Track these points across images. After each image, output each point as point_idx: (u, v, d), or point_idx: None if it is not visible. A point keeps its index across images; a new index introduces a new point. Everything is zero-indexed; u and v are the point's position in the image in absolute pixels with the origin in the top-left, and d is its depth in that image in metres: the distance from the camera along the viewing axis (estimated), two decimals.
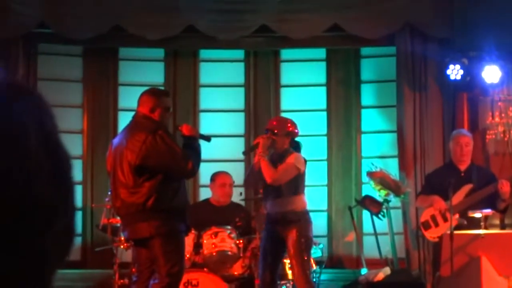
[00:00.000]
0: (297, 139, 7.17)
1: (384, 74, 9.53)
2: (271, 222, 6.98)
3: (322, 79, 9.71)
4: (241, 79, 9.74)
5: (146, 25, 8.94)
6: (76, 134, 9.37)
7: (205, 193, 8.94)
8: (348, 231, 9.32)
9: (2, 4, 8.61)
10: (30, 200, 1.50)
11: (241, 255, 7.69)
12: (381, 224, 8.71)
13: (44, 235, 1.52)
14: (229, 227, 7.76)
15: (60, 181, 1.56)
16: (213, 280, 7.45)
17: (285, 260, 7.44)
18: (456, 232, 7.06)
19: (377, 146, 9.52)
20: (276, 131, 6.98)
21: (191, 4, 8.99)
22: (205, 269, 7.58)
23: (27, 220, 1.49)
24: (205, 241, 7.63)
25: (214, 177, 8.41)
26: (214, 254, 7.60)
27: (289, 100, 9.69)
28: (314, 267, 7.81)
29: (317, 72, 9.73)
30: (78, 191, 9.29)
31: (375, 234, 8.67)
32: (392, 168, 8.91)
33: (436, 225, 7.81)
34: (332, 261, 9.23)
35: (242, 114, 9.71)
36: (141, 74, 9.57)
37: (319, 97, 9.68)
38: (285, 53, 9.76)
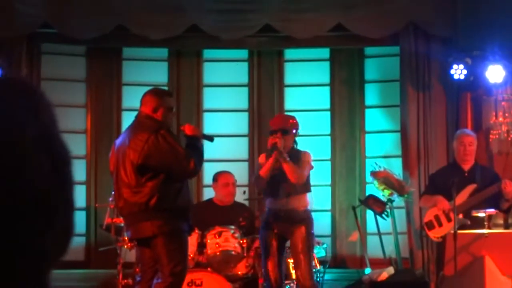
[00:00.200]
0: (299, 138, 7.26)
1: (388, 74, 9.52)
2: (278, 219, 6.99)
3: (326, 78, 9.71)
4: (244, 79, 9.74)
5: (149, 25, 8.94)
6: (79, 134, 9.38)
7: (208, 193, 8.93)
8: (352, 231, 9.31)
9: (6, 4, 8.62)
10: (30, 199, 1.49)
11: (245, 254, 7.68)
12: (385, 223, 8.70)
13: (44, 235, 1.52)
14: (232, 226, 7.75)
15: (60, 179, 1.55)
16: (217, 280, 7.45)
17: (288, 260, 7.44)
18: (459, 231, 7.05)
19: (381, 146, 9.52)
20: (287, 130, 7.03)
21: (194, 4, 8.99)
22: (208, 268, 7.58)
23: (27, 220, 1.48)
24: (208, 241, 7.63)
25: (217, 177, 8.41)
26: (217, 253, 7.59)
27: (292, 100, 9.68)
28: (318, 266, 7.81)
29: (321, 72, 9.73)
30: (82, 191, 9.30)
31: (379, 233, 8.67)
32: (395, 168, 8.90)
33: (440, 225, 7.80)
34: (335, 261, 9.23)
35: (245, 114, 9.71)
36: (144, 74, 9.57)
37: (322, 97, 9.68)
38: (289, 53, 9.76)
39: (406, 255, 8.83)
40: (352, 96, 9.62)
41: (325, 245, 8.16)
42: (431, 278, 8.38)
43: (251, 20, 9.05)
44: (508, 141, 8.78)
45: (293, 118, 7.27)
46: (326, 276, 8.22)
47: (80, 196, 9.25)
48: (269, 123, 7.36)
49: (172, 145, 5.89)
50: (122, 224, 7.15)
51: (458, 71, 8.70)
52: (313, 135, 9.30)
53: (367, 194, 9.09)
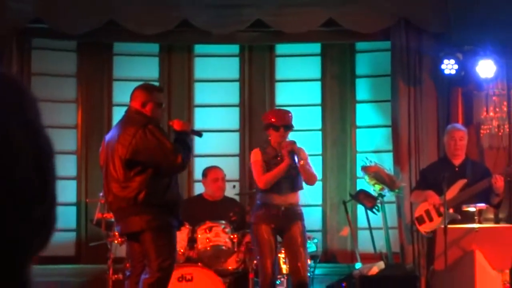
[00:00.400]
0: (291, 133, 7.27)
1: (379, 69, 9.52)
2: (278, 214, 6.99)
3: (317, 73, 9.70)
4: (236, 74, 9.73)
5: (140, 20, 8.92)
6: (70, 129, 9.36)
7: (199, 188, 8.92)
8: (343, 226, 9.31)
9: None
10: (9, 185, 1.48)
11: (236, 249, 7.68)
12: (376, 218, 8.71)
13: (18, 222, 1.51)
14: (223, 221, 7.75)
15: (40, 168, 1.55)
16: (208, 275, 7.45)
17: (279, 255, 7.44)
18: (450, 226, 7.06)
19: (372, 141, 9.52)
20: (290, 126, 7.18)
21: None
22: (199, 263, 7.58)
23: (2, 209, 1.48)
24: (199, 236, 7.62)
25: (206, 172, 8.40)
26: (208, 248, 7.59)
27: (284, 94, 9.68)
28: (309, 261, 7.81)
29: (312, 67, 9.72)
30: (73, 186, 9.29)
31: (370, 228, 8.67)
32: (386, 163, 8.91)
33: (430, 219, 7.81)
34: (326, 256, 9.24)
35: (237, 109, 9.70)
36: (135, 69, 9.55)
37: (314, 92, 9.68)
38: (280, 48, 9.75)
39: (397, 249, 8.84)
40: (344, 91, 9.62)
41: (316, 240, 8.16)
42: (422, 272, 8.38)
43: (242, 15, 9.04)
44: (499, 136, 8.80)
45: (290, 112, 7.28)
46: (317, 271, 8.23)
47: (70, 191, 9.24)
48: (268, 116, 7.28)
49: (160, 140, 5.89)
50: (113, 219, 7.15)
51: (449, 66, 8.70)
52: (304, 130, 9.29)
53: (358, 189, 9.09)
